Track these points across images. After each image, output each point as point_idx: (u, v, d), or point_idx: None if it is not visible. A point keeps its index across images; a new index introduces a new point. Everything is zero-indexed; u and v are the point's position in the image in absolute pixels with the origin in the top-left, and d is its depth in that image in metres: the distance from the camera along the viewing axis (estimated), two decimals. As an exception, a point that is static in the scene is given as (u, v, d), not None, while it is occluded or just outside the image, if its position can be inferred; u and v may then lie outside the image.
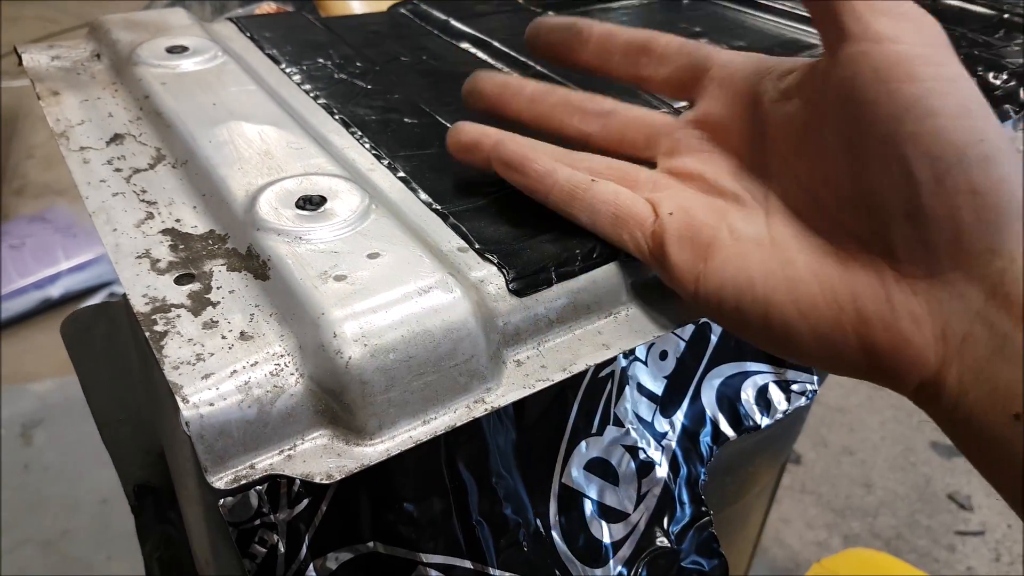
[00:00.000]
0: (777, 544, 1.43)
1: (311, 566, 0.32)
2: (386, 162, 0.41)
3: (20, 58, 0.51)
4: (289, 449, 0.30)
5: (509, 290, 0.34)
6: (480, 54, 0.55)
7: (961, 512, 1.53)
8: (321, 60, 0.50)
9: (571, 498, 0.37)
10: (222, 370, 0.29)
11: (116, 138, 0.42)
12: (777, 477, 0.86)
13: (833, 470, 1.60)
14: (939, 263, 0.28)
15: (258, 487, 0.29)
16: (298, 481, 0.29)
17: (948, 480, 1.59)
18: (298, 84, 0.47)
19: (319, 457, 0.30)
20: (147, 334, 0.30)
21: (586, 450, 0.38)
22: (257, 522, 0.30)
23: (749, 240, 0.32)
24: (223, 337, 0.30)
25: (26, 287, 1.83)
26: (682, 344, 0.41)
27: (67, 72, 0.49)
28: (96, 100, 0.46)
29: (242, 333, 0.31)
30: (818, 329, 0.30)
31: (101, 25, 0.52)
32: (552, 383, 0.33)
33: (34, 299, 1.84)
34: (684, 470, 0.40)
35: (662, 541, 0.39)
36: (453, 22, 0.58)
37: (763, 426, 0.43)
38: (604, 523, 0.38)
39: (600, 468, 0.38)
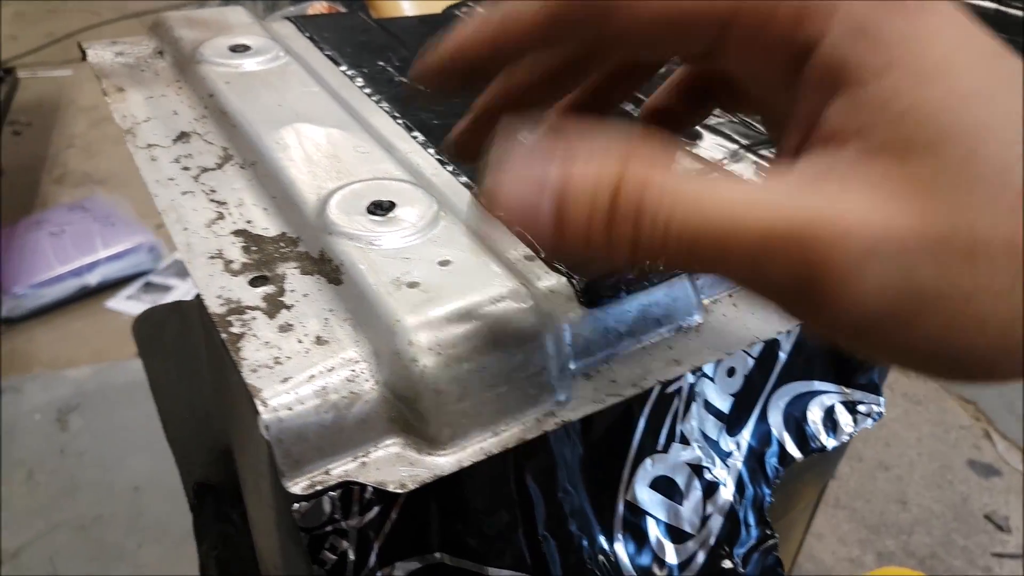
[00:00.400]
0: (810, 559, 1.42)
1: (378, 574, 0.31)
2: (449, 167, 0.41)
3: (84, 53, 0.51)
4: (363, 456, 0.30)
5: (579, 301, 0.34)
6: (541, 59, 0.54)
7: (998, 533, 1.50)
8: (381, 62, 0.50)
9: (635, 516, 0.37)
10: (300, 374, 0.29)
11: (182, 136, 0.42)
12: (820, 494, 0.85)
13: (868, 485, 1.57)
14: None
15: (331, 493, 0.29)
16: (370, 488, 0.29)
17: (985, 500, 1.56)
18: (359, 87, 0.47)
19: (392, 465, 0.30)
20: (223, 335, 0.30)
21: (651, 467, 0.37)
22: (328, 528, 0.30)
23: None
24: (299, 341, 0.30)
25: (64, 274, 1.85)
26: (750, 361, 0.40)
27: (131, 68, 0.49)
28: (160, 97, 0.46)
29: (318, 337, 0.30)
30: None
31: (163, 22, 0.53)
32: (623, 398, 0.33)
33: (72, 286, 1.86)
34: (750, 491, 0.40)
35: (727, 564, 0.39)
36: (513, 25, 0.57)
37: (829, 448, 0.42)
38: (669, 543, 0.38)
39: (665, 486, 0.38)
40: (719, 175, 0.23)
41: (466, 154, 0.31)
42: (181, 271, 1.95)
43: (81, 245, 1.92)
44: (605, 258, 0.22)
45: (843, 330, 0.22)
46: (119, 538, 1.35)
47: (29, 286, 1.80)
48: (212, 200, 0.37)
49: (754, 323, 0.37)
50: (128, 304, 1.86)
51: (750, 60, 0.25)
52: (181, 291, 1.90)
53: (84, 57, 0.51)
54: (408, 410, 0.30)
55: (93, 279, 1.87)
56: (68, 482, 1.44)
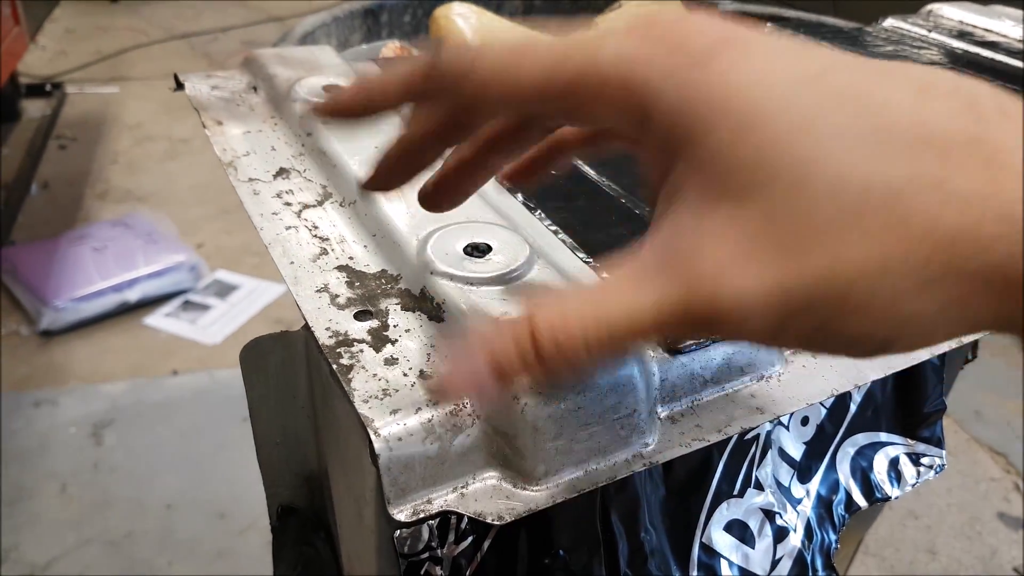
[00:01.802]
0: (837, 608, 1.40)
1: (468, 603, 0.33)
2: (537, 213, 0.43)
3: (179, 84, 0.54)
4: (462, 487, 0.31)
5: (666, 347, 0.35)
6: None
7: (1028, 590, 1.48)
8: (470, 107, 0.52)
9: (710, 558, 0.38)
10: (408, 406, 0.30)
11: (282, 172, 0.44)
12: (858, 545, 0.85)
13: (898, 534, 1.56)
14: None
15: (431, 521, 0.30)
16: (466, 518, 0.30)
17: (1015, 553, 1.54)
18: (451, 129, 0.49)
19: (489, 497, 0.31)
20: (334, 366, 0.32)
21: (727, 511, 0.38)
22: (425, 555, 0.31)
23: None
24: (404, 375, 0.32)
25: (105, 289, 1.89)
26: (823, 411, 0.41)
27: (227, 102, 0.51)
28: (258, 132, 0.48)
29: (421, 372, 0.32)
30: None
31: (256, 59, 0.55)
32: (708, 443, 0.34)
33: (112, 301, 1.89)
34: (818, 537, 0.40)
35: (798, 608, 0.39)
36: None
37: (893, 497, 0.43)
38: (742, 585, 0.39)
39: (739, 530, 0.39)
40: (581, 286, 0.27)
41: (429, 204, 0.34)
42: (221, 291, 1.99)
43: (123, 261, 1.95)
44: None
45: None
46: (150, 555, 1.36)
47: (70, 300, 1.84)
48: (315, 236, 0.39)
49: (831, 375, 0.38)
50: (166, 322, 1.89)
51: (606, 121, 0.27)
52: (220, 310, 1.92)
53: (179, 87, 0.54)
54: (507, 445, 0.31)
55: (133, 295, 1.90)
56: (101, 497, 1.46)
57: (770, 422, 0.40)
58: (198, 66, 3.31)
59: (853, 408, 0.42)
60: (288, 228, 0.40)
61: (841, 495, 0.42)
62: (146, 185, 2.51)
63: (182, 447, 1.57)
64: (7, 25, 2.24)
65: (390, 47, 0.78)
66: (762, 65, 0.23)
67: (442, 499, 0.30)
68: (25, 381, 1.70)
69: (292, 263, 0.37)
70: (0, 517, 1.39)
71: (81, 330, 1.85)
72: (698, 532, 0.38)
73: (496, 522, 0.30)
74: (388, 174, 0.32)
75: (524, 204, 0.44)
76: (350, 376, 0.31)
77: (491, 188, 0.45)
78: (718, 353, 0.36)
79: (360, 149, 0.44)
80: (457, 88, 0.27)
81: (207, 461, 1.53)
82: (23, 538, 1.37)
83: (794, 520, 0.40)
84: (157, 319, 1.90)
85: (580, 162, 0.48)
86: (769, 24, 0.79)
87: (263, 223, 0.40)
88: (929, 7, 0.82)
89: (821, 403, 0.41)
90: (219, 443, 1.57)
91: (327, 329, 0.33)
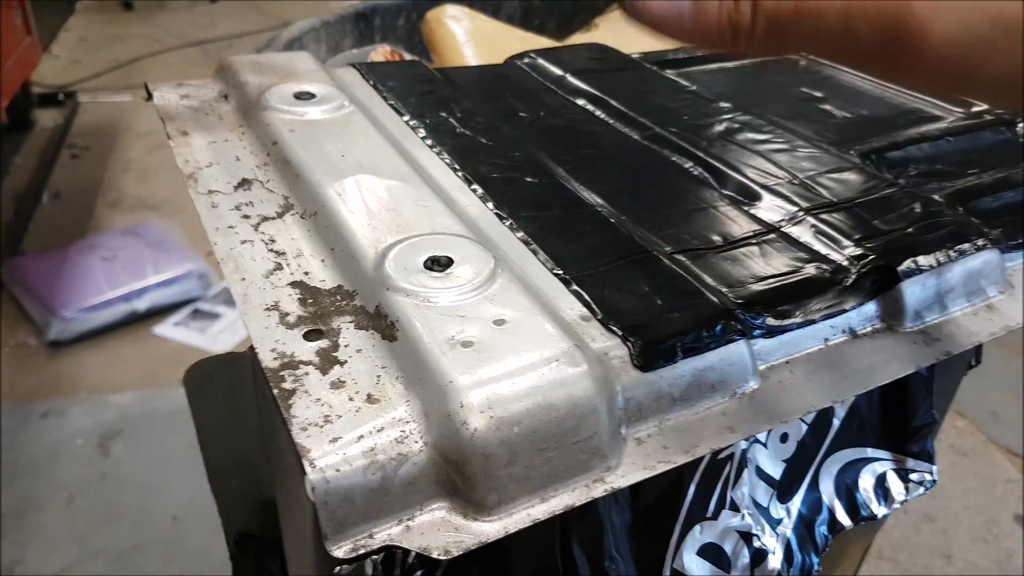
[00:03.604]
0: (852, 616, 1.38)
1: (420, 640, 0.31)
2: (508, 222, 0.41)
3: (150, 94, 0.52)
4: (408, 519, 0.29)
5: (633, 364, 0.34)
6: (597, 112, 0.54)
7: (1045, 592, 1.45)
8: (443, 113, 0.50)
9: (683, 585, 0.36)
10: (349, 433, 0.29)
11: (244, 183, 0.43)
12: (865, 551, 0.82)
13: (913, 537, 1.53)
14: None
15: (374, 557, 0.29)
16: (414, 553, 0.29)
17: (1031, 556, 1.51)
18: (421, 138, 0.48)
19: (437, 530, 0.29)
20: (275, 391, 0.30)
21: (700, 534, 0.36)
22: (371, 591, 0.29)
23: None
24: (350, 399, 0.30)
25: (114, 299, 1.89)
26: (804, 427, 0.39)
27: (195, 112, 0.50)
28: (224, 142, 0.47)
29: (369, 396, 0.30)
30: None
31: (229, 66, 0.54)
32: (674, 465, 0.32)
33: (121, 311, 1.89)
34: (798, 559, 0.38)
35: (777, 637, 0.38)
36: (570, 78, 0.58)
37: (879, 516, 0.41)
38: (717, 614, 0.37)
39: (713, 554, 0.37)
40: None
41: None
42: (230, 299, 1.98)
43: (132, 270, 1.95)
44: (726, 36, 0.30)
45: (927, 70, 0.28)
46: (157, 567, 1.35)
47: (79, 310, 1.84)
48: (271, 250, 0.38)
49: (810, 391, 0.36)
50: (176, 331, 1.89)
51: None
52: (229, 319, 1.92)
53: (149, 98, 0.52)
54: (456, 473, 0.29)
55: (142, 305, 1.90)
56: (108, 508, 1.45)
57: (745, 439, 0.38)
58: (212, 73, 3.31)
59: (837, 423, 0.40)
60: (243, 242, 0.38)
61: (824, 515, 0.40)
62: (158, 193, 2.51)
63: (190, 458, 1.55)
64: (19, 35, 2.25)
65: (380, 51, 0.77)
66: None
67: (385, 533, 0.29)
68: (33, 392, 1.70)
69: (243, 279, 0.36)
70: (4, 530, 1.38)
71: (90, 340, 1.85)
72: (668, 558, 0.36)
73: (443, 556, 0.28)
74: None
75: (495, 213, 0.42)
76: (291, 401, 0.30)
77: (462, 196, 0.43)
78: (687, 369, 0.34)
79: (325, 157, 0.43)
80: None
81: (214, 470, 1.52)
82: (28, 551, 1.36)
83: (773, 543, 0.38)
84: (166, 328, 1.90)
85: (556, 167, 0.46)
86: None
87: (217, 237, 0.38)
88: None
89: (801, 419, 0.39)
90: (226, 452, 1.56)
91: (272, 350, 0.32)
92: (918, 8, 0.27)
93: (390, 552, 0.29)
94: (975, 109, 0.58)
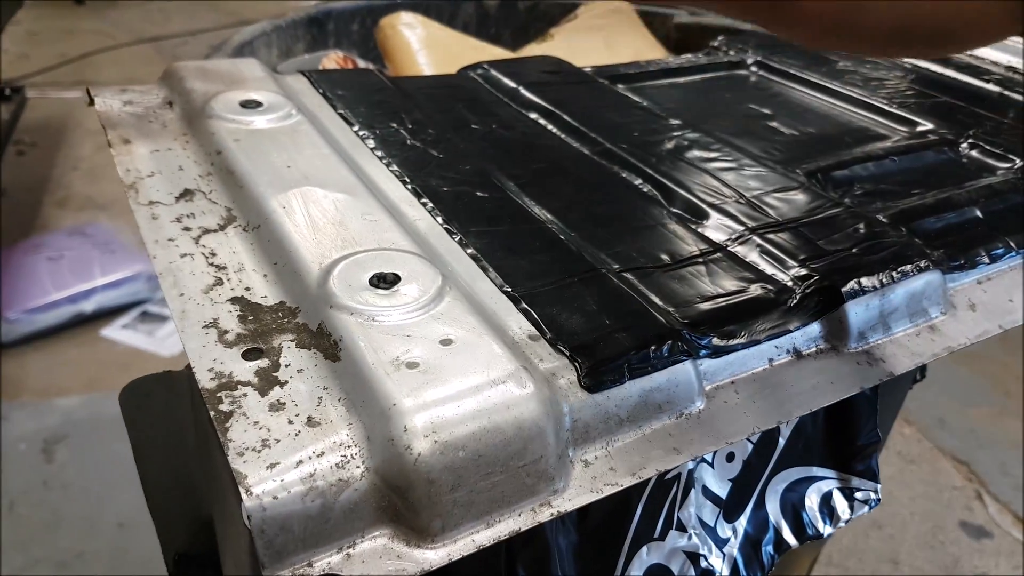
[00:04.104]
0: (800, 622, 1.39)
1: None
2: (457, 238, 0.41)
3: (92, 100, 0.51)
4: (348, 547, 0.29)
5: (581, 385, 0.33)
6: (549, 126, 0.54)
7: (989, 597, 1.48)
8: (394, 124, 0.50)
9: (629, 607, 0.36)
10: (287, 459, 0.28)
11: (186, 194, 0.42)
12: (813, 562, 0.83)
13: (860, 544, 1.56)
14: None
15: (314, 584, 0.28)
16: (355, 580, 0.28)
17: (976, 562, 1.54)
18: (371, 149, 0.47)
19: (379, 558, 0.29)
20: (212, 413, 0.29)
21: (647, 556, 0.36)
22: (309, 619, 0.29)
23: None
24: (290, 422, 0.29)
25: (60, 300, 1.84)
26: (749, 446, 0.40)
27: (139, 119, 0.49)
28: (167, 151, 0.46)
29: (309, 418, 0.30)
30: None
31: (175, 72, 0.52)
32: (621, 488, 0.32)
33: (67, 313, 1.84)
34: (744, 580, 0.39)
35: (721, 658, 0.38)
36: (523, 91, 0.58)
37: (825, 535, 0.41)
38: (662, 636, 0.37)
39: (660, 575, 0.37)
40: None
41: None
42: (178, 301, 1.94)
43: (79, 271, 1.91)
44: None
45: (811, 28, 0.28)
46: None
47: (23, 311, 1.79)
48: (211, 264, 0.37)
49: (755, 411, 0.36)
50: (124, 333, 1.85)
51: None
52: (177, 322, 1.89)
53: (91, 103, 0.51)
54: (399, 499, 0.29)
55: (89, 306, 1.86)
56: (51, 516, 1.42)
57: (692, 460, 0.38)
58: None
59: (782, 442, 0.41)
60: (183, 256, 0.37)
61: (770, 534, 0.40)
62: (107, 192, 2.46)
63: (136, 463, 1.53)
64: (-38, 29, 2.19)
65: (332, 57, 0.76)
66: None
67: (324, 561, 0.28)
68: (-26, 396, 1.65)
69: (182, 295, 0.35)
70: (-59, 539, 1.34)
71: (35, 342, 1.81)
72: (616, 580, 0.36)
73: (384, 584, 0.28)
74: None
75: (444, 228, 0.42)
76: (228, 424, 0.29)
77: (411, 210, 0.42)
78: (634, 389, 0.34)
79: (270, 168, 0.42)
80: None
81: (161, 477, 1.49)
82: (-33, 559, 1.33)
83: (719, 563, 0.38)
84: (114, 331, 1.86)
85: (507, 181, 0.46)
86: (722, 36, 0.77)
87: (157, 250, 0.37)
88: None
89: (747, 438, 0.40)
90: (174, 458, 1.53)
91: (210, 370, 0.31)
92: None
93: (330, 581, 0.28)
94: (919, 129, 0.59)
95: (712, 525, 0.39)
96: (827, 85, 0.66)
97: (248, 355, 0.32)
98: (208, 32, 3.82)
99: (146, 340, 1.83)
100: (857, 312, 0.39)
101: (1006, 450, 1.77)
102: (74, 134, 2.84)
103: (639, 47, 0.92)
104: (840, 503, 0.42)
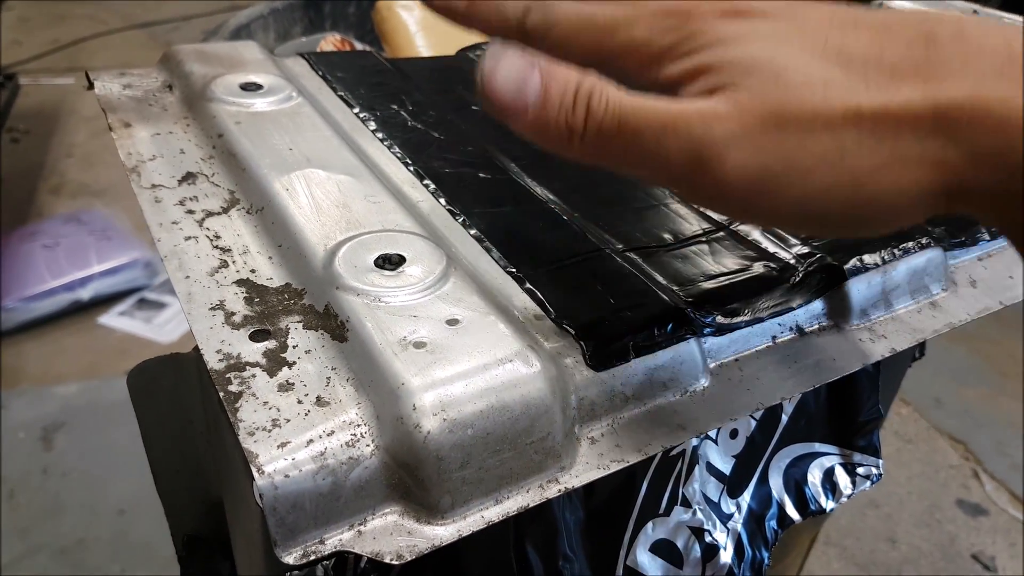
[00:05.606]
0: (799, 600, 1.41)
1: (372, 644, 0.31)
2: (461, 219, 0.41)
3: (91, 83, 0.51)
4: (360, 524, 0.29)
5: (586, 363, 0.34)
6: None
7: (985, 573, 1.49)
8: (394, 106, 0.50)
9: (635, 582, 0.36)
10: (298, 438, 0.28)
11: (188, 177, 0.42)
12: (813, 540, 0.84)
13: (858, 523, 1.57)
14: None
15: (325, 562, 0.28)
16: (365, 558, 0.28)
17: (973, 540, 1.56)
18: (372, 131, 0.47)
19: (389, 535, 0.29)
20: (221, 394, 0.29)
21: (652, 531, 0.37)
22: (321, 597, 0.29)
23: None
24: (299, 401, 0.30)
25: (56, 288, 1.84)
26: (753, 423, 0.40)
27: (139, 102, 0.49)
28: (168, 134, 0.46)
29: (318, 398, 0.30)
30: None
31: (174, 56, 0.52)
32: (628, 464, 0.32)
33: (64, 300, 1.84)
34: (748, 554, 0.39)
35: (727, 632, 0.38)
36: (523, 70, 0.57)
37: (828, 510, 0.41)
38: (669, 611, 0.37)
39: (665, 550, 0.37)
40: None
41: None
42: (175, 288, 1.94)
43: (75, 259, 1.90)
44: (563, 135, 0.28)
45: (729, 202, 0.27)
46: (102, 562, 1.33)
47: (20, 299, 1.79)
48: (216, 247, 0.37)
49: (759, 388, 0.36)
50: (121, 320, 1.85)
51: None
52: (176, 308, 1.88)
53: (90, 87, 0.51)
54: (409, 477, 0.29)
55: (86, 294, 1.86)
56: (51, 503, 1.42)
57: (696, 436, 0.38)
58: (159, 56, 3.22)
59: (785, 419, 0.41)
60: (188, 239, 0.37)
61: (773, 509, 0.40)
62: (102, 179, 2.45)
63: (136, 450, 1.50)
64: (-47, 16, 2.18)
65: (330, 40, 0.76)
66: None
67: (336, 539, 0.28)
68: (-28, 384, 1.65)
69: (187, 277, 0.35)
70: (-58, 527, 1.35)
71: (32, 330, 1.80)
72: (622, 555, 0.36)
73: (395, 561, 0.28)
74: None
75: (447, 209, 0.42)
76: (238, 405, 0.29)
77: (414, 191, 0.42)
78: (640, 368, 0.34)
79: (272, 151, 0.42)
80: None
81: (161, 463, 1.50)
82: (-32, 547, 1.33)
83: (724, 538, 0.38)
84: (111, 318, 1.86)
85: (509, 162, 0.46)
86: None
87: (161, 233, 0.37)
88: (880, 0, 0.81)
89: (751, 415, 0.40)
90: (174, 444, 1.53)
91: (218, 352, 0.31)
92: (718, 135, 0.26)
93: (342, 557, 0.28)
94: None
95: (716, 501, 0.39)
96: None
97: (256, 336, 0.32)
98: (201, 17, 3.79)
99: (144, 327, 1.83)
100: (859, 289, 0.39)
101: (1003, 429, 1.79)
102: (68, 121, 2.82)
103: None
104: (842, 478, 0.43)
